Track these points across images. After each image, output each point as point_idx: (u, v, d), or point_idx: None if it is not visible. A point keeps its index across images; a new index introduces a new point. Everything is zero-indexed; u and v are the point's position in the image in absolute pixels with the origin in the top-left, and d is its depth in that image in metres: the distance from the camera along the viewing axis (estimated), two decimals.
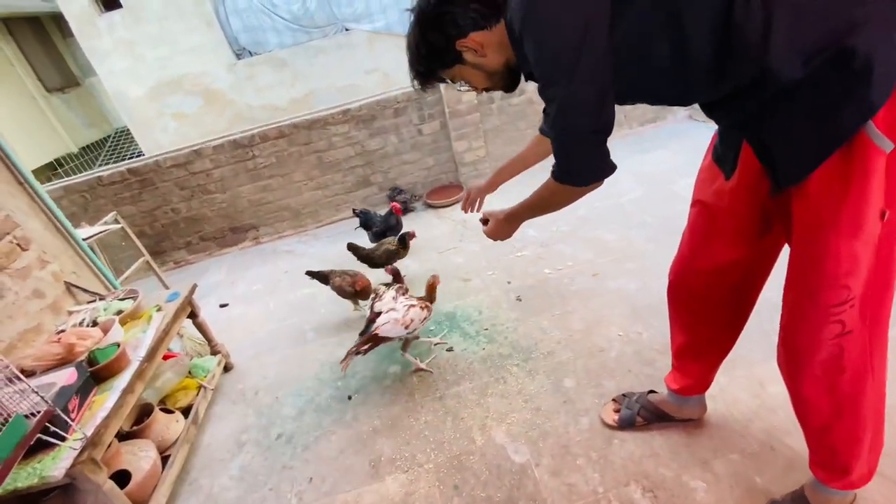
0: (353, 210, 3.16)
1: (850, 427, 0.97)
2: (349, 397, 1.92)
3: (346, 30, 6.41)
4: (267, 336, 2.50)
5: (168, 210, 3.48)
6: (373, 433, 1.72)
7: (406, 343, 1.95)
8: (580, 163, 0.92)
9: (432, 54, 0.96)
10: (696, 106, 0.96)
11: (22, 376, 1.19)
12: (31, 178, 2.02)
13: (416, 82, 1.03)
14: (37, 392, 1.18)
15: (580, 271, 2.36)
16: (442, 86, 3.63)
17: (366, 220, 3.05)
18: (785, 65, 0.74)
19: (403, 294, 1.95)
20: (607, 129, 0.86)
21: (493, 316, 2.19)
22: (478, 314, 2.23)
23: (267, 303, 2.83)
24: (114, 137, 9.00)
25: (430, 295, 1.95)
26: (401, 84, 6.61)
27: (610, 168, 0.92)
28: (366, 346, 1.80)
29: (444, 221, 3.34)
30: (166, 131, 6.78)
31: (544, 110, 1.04)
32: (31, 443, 1.19)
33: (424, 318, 1.87)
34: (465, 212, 1.54)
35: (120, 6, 6.15)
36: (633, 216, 2.74)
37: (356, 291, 2.32)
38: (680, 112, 3.92)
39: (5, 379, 1.29)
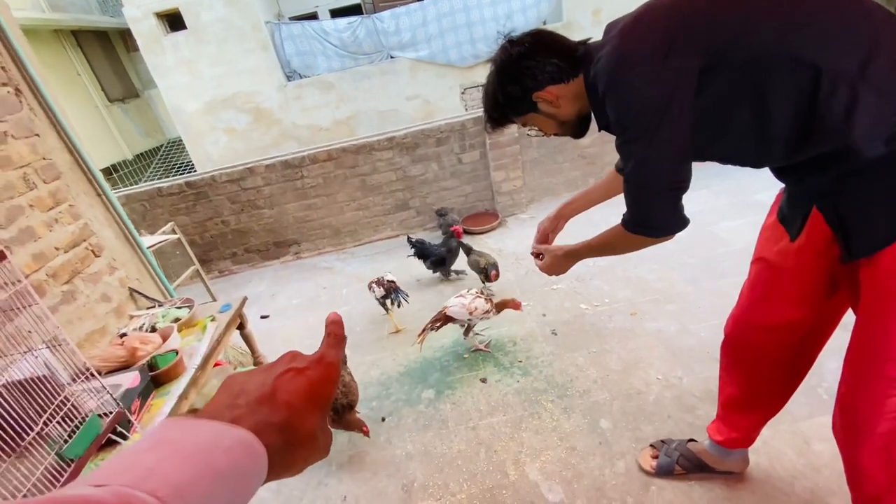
0: (409, 239, 3.07)
1: None
2: (383, 419, 1.96)
3: (391, 57, 6.70)
4: (305, 349, 2.57)
5: (218, 222, 3.68)
6: (406, 457, 1.75)
7: (468, 329, 2.23)
8: (653, 216, 0.95)
9: (509, 104, 1.02)
10: None
11: (99, 378, 1.30)
12: (109, 189, 2.20)
13: (488, 125, 1.10)
14: (111, 394, 1.28)
15: (618, 309, 2.36)
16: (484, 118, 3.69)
17: (422, 251, 3.00)
18: (866, 145, 0.76)
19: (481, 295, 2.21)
20: (683, 186, 0.90)
21: (527, 348, 2.21)
22: (512, 345, 2.25)
23: (306, 317, 2.93)
24: (166, 147, 9.55)
25: (501, 302, 2.18)
26: (439, 111, 6.84)
27: (682, 223, 0.95)
28: (438, 323, 2.15)
29: (480, 248, 3.39)
30: (217, 144, 7.17)
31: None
32: (102, 442, 1.28)
33: (486, 311, 2.12)
34: (535, 255, 1.38)
35: (185, 27, 6.63)
36: (674, 256, 2.73)
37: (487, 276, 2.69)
38: None
39: (79, 377, 1.40)
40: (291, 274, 3.65)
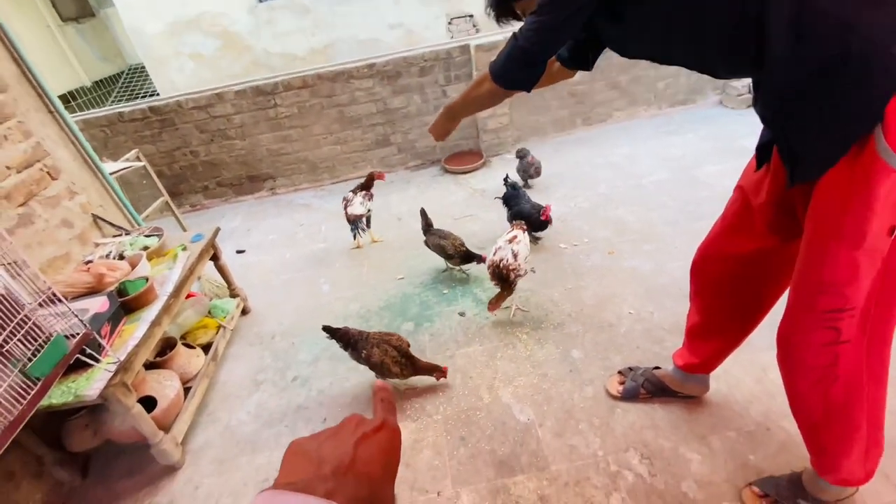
0: (506, 180, 2.69)
1: (840, 432, 1.01)
2: None
3: None
4: (282, 285, 2.56)
5: (187, 152, 3.48)
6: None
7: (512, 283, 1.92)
8: (508, 68, 1.06)
9: None
10: (728, 92, 0.99)
11: (63, 299, 1.25)
12: (61, 106, 2.02)
13: (491, 11, 1.10)
14: (76, 315, 1.24)
15: (596, 248, 2.38)
16: (472, 46, 3.49)
17: (509, 199, 2.58)
18: (785, 50, 0.77)
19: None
20: (540, 56, 1.02)
21: None
22: (490, 283, 2.27)
23: (283, 253, 2.88)
24: (128, 74, 8.83)
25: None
26: (424, 41, 6.43)
27: (520, 84, 1.08)
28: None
29: (462, 188, 3.33)
30: (182, 71, 6.66)
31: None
32: (70, 362, 1.26)
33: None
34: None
35: None
36: (654, 198, 2.73)
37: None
38: (711, 96, 3.82)
39: (42, 300, 1.35)
40: (267, 209, 3.54)
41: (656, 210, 2.61)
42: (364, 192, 2.65)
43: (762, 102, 0.90)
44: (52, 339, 1.19)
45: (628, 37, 0.99)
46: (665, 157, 3.17)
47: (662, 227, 2.46)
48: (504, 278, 1.87)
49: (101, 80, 8.39)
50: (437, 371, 1.68)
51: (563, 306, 2.03)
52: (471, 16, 6.20)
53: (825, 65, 0.75)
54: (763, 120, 0.95)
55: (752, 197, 1.07)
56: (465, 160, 3.63)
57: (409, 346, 1.69)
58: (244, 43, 6.59)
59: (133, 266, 1.78)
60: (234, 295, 2.29)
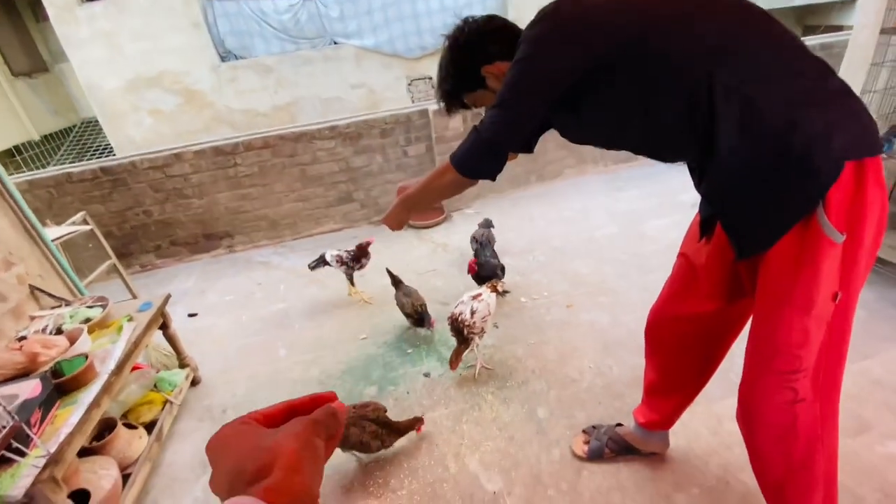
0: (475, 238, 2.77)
1: (802, 489, 1.05)
2: None
3: (335, 43, 6.47)
4: (237, 351, 2.45)
5: (139, 212, 3.37)
6: (346, 457, 1.71)
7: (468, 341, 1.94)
8: (471, 158, 1.06)
9: (459, 76, 1.10)
10: None
11: None
12: (3, 172, 1.94)
13: (441, 103, 1.14)
14: (4, 407, 1.13)
15: (555, 302, 2.44)
16: (430, 111, 3.66)
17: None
18: (734, 144, 0.85)
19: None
20: (505, 148, 1.03)
21: None
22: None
23: (238, 315, 2.78)
24: (80, 128, 8.61)
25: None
26: (385, 101, 6.71)
27: (486, 174, 1.07)
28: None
29: (425, 243, 3.38)
30: (140, 126, 6.58)
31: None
32: None
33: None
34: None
35: None
36: (606, 251, 2.87)
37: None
38: None
39: None
40: (223, 268, 3.43)
41: (609, 263, 2.73)
42: (353, 262, 2.62)
43: (708, 185, 0.96)
44: None
45: (581, 124, 1.05)
46: (614, 211, 3.37)
47: (616, 280, 2.57)
48: (460, 332, 1.89)
49: (50, 134, 8.13)
50: (417, 424, 1.65)
51: (527, 362, 2.04)
52: (430, 78, 6.56)
53: (771, 157, 0.82)
54: (708, 201, 1.02)
55: (696, 263, 1.15)
56: (427, 215, 3.70)
57: (385, 411, 1.62)
58: (206, 99, 6.63)
59: (72, 341, 1.66)
60: (183, 365, 2.16)
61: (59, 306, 1.94)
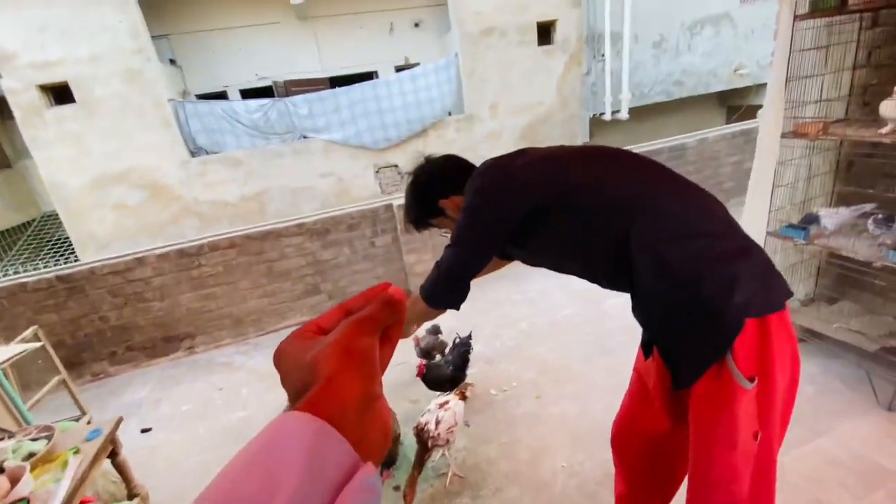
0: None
1: None
2: None
3: (305, 137, 6.82)
4: (193, 469, 2.29)
5: (95, 318, 3.26)
6: None
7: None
8: (438, 291, 1.17)
9: (422, 207, 1.27)
10: None
11: None
12: None
13: (410, 225, 1.31)
14: None
15: (524, 393, 2.45)
16: (394, 205, 3.83)
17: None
18: (650, 290, 0.95)
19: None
20: (465, 282, 1.14)
21: None
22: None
23: (195, 427, 2.63)
24: (39, 222, 8.44)
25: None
26: (354, 188, 6.97)
27: (455, 304, 1.17)
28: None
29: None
30: (103, 222, 6.50)
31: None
32: None
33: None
34: None
35: (73, 101, 6.18)
36: (569, 333, 2.95)
37: None
38: None
39: None
40: (182, 373, 3.28)
41: (572, 346, 2.80)
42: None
43: (638, 315, 1.08)
44: None
45: (530, 255, 1.21)
46: (570, 291, 3.49)
47: (581, 363, 2.62)
48: (424, 443, 1.84)
49: (7, 230, 7.90)
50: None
51: (500, 465, 2.00)
52: (396, 166, 6.93)
53: (682, 305, 0.92)
54: (643, 327, 1.12)
55: (647, 382, 1.21)
56: None
57: None
58: (174, 193, 6.69)
59: (13, 482, 1.53)
60: (132, 495, 1.99)
61: (3, 439, 1.80)
